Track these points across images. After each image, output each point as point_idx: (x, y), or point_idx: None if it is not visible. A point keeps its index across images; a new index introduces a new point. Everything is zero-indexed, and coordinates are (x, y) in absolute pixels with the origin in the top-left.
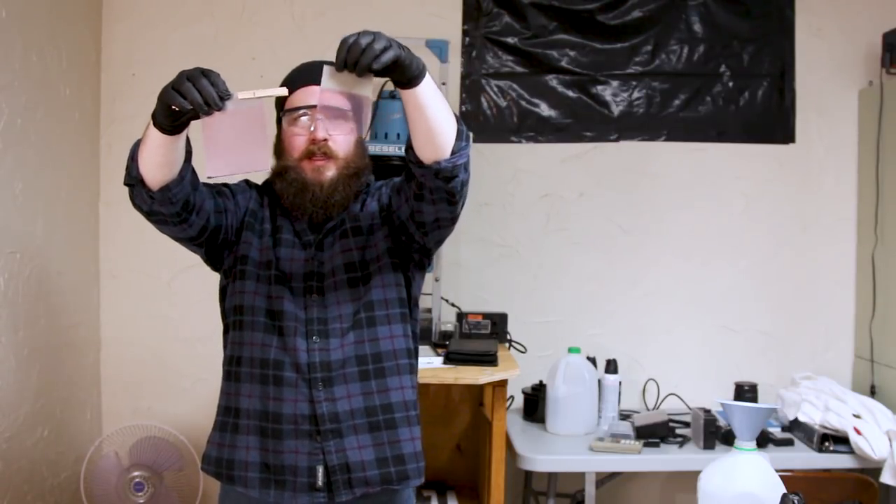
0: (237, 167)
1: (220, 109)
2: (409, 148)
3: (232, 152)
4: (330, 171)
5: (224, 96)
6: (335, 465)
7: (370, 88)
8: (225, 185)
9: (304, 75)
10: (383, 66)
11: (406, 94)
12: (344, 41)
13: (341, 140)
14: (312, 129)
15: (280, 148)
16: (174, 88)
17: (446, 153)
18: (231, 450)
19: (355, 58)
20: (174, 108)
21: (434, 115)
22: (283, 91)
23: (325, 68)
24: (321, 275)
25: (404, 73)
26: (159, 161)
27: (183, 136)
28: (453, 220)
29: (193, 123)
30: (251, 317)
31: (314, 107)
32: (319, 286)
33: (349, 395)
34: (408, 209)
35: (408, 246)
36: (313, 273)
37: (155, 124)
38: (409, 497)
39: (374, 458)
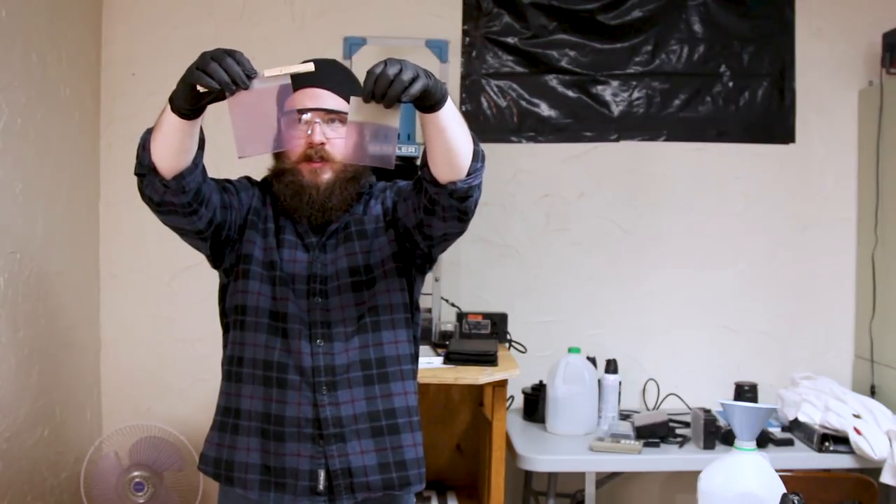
0: (268, 146)
1: (246, 88)
2: (424, 165)
3: (261, 131)
4: (327, 174)
5: (251, 74)
6: (337, 469)
7: (398, 119)
8: (228, 181)
9: (301, 76)
10: (413, 98)
11: (427, 117)
12: (371, 72)
13: (339, 143)
14: (310, 132)
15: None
16: (199, 69)
17: (462, 174)
18: (231, 450)
19: (383, 89)
20: (199, 90)
21: (453, 137)
22: (310, 67)
23: (352, 99)
24: (324, 277)
25: (429, 100)
26: (176, 148)
27: (200, 120)
28: (461, 233)
29: (209, 110)
30: (254, 317)
31: (311, 109)
32: (323, 289)
33: (353, 399)
34: (415, 219)
35: (411, 252)
36: (316, 276)
37: (173, 108)
38: (409, 502)
39: (376, 464)
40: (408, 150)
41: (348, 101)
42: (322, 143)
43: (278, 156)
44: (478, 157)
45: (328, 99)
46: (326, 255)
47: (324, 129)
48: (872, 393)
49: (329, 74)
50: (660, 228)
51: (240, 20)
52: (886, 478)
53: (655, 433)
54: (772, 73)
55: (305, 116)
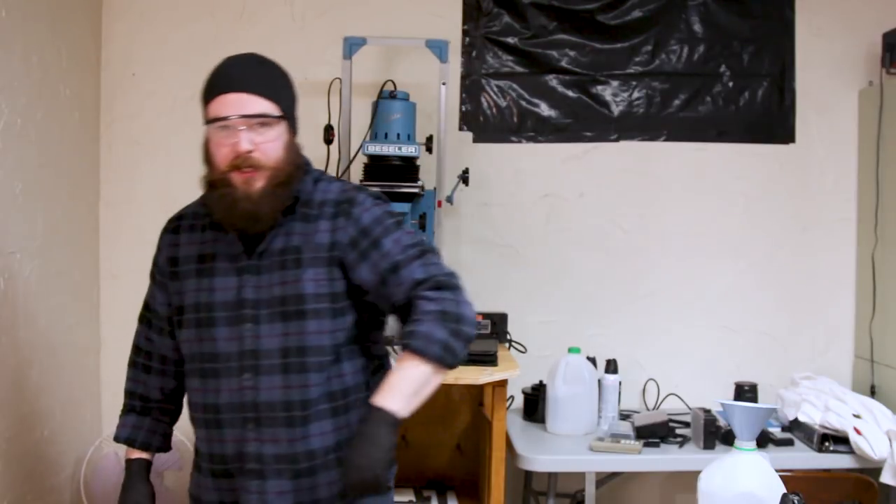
0: None
1: None
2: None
3: None
4: (259, 182)
5: None
6: None
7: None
8: (149, 316)
9: (221, 81)
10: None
11: None
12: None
13: (268, 148)
14: (236, 140)
15: (207, 157)
16: None
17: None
18: (200, 489)
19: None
20: None
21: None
22: None
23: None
24: (255, 302)
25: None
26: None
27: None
28: None
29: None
30: (190, 364)
31: (232, 117)
32: (254, 314)
33: (275, 438)
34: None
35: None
36: (246, 301)
37: None
38: None
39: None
40: (408, 151)
41: (273, 101)
42: (249, 151)
43: (209, 165)
44: (450, 362)
45: (250, 103)
46: (259, 278)
47: (250, 135)
48: (872, 393)
49: (249, 76)
50: (660, 228)
51: (240, 20)
52: (886, 478)
53: (655, 433)
54: (772, 73)
55: (228, 124)
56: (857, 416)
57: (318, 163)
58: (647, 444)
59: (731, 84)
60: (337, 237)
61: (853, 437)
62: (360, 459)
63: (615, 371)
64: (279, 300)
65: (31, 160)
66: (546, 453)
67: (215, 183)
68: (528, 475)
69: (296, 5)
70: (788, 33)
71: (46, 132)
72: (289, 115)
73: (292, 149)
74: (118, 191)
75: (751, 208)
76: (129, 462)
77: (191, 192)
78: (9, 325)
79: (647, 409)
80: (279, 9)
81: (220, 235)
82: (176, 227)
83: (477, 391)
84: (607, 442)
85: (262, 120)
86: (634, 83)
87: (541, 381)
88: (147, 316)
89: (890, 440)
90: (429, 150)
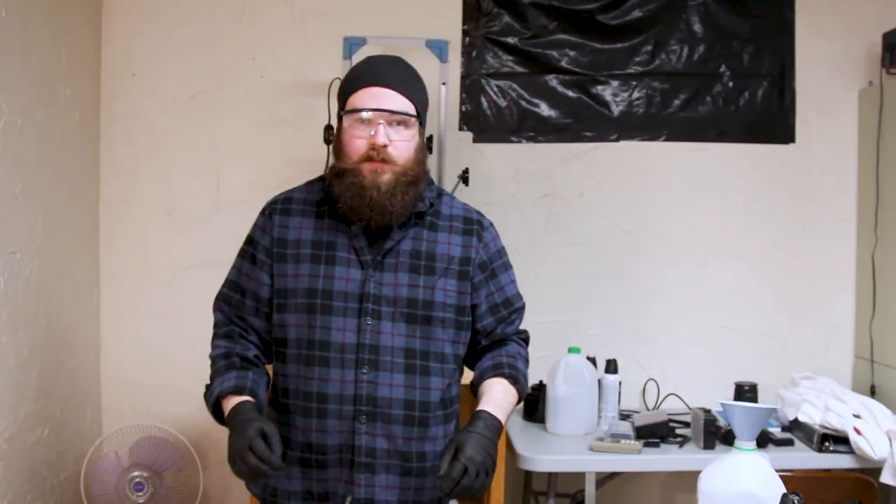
0: None
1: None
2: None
3: None
4: (387, 176)
5: (276, 465)
6: (361, 498)
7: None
8: (242, 298)
9: (367, 74)
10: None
11: None
12: (451, 478)
13: (402, 146)
14: (373, 132)
15: (339, 147)
16: (234, 470)
17: None
18: (275, 478)
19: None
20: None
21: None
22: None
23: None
24: (378, 298)
25: None
26: None
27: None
28: None
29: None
30: (295, 349)
31: (376, 110)
32: (376, 310)
33: (390, 434)
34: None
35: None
36: (369, 295)
37: None
38: None
39: (396, 500)
40: None
41: (413, 103)
42: (385, 145)
43: (339, 155)
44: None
45: (393, 100)
46: (383, 275)
47: (387, 130)
48: (872, 393)
49: (394, 74)
50: (660, 228)
51: (240, 20)
52: (886, 478)
53: (655, 433)
54: (772, 73)
55: (367, 116)
56: (857, 416)
57: (318, 163)
58: (647, 444)
59: (731, 84)
60: (470, 254)
61: (853, 437)
62: (483, 459)
63: (615, 371)
64: (406, 301)
65: (31, 160)
66: (546, 453)
67: (343, 172)
68: (528, 475)
69: (296, 5)
70: (788, 33)
71: (46, 132)
72: (423, 121)
73: (422, 152)
74: (118, 191)
75: (751, 208)
76: (237, 406)
77: (191, 191)
78: (9, 325)
79: (647, 409)
80: (279, 9)
81: (340, 226)
82: (286, 208)
83: None
84: (607, 442)
85: (402, 118)
86: (634, 83)
87: (541, 381)
88: (237, 298)
89: (890, 440)
90: (429, 149)
